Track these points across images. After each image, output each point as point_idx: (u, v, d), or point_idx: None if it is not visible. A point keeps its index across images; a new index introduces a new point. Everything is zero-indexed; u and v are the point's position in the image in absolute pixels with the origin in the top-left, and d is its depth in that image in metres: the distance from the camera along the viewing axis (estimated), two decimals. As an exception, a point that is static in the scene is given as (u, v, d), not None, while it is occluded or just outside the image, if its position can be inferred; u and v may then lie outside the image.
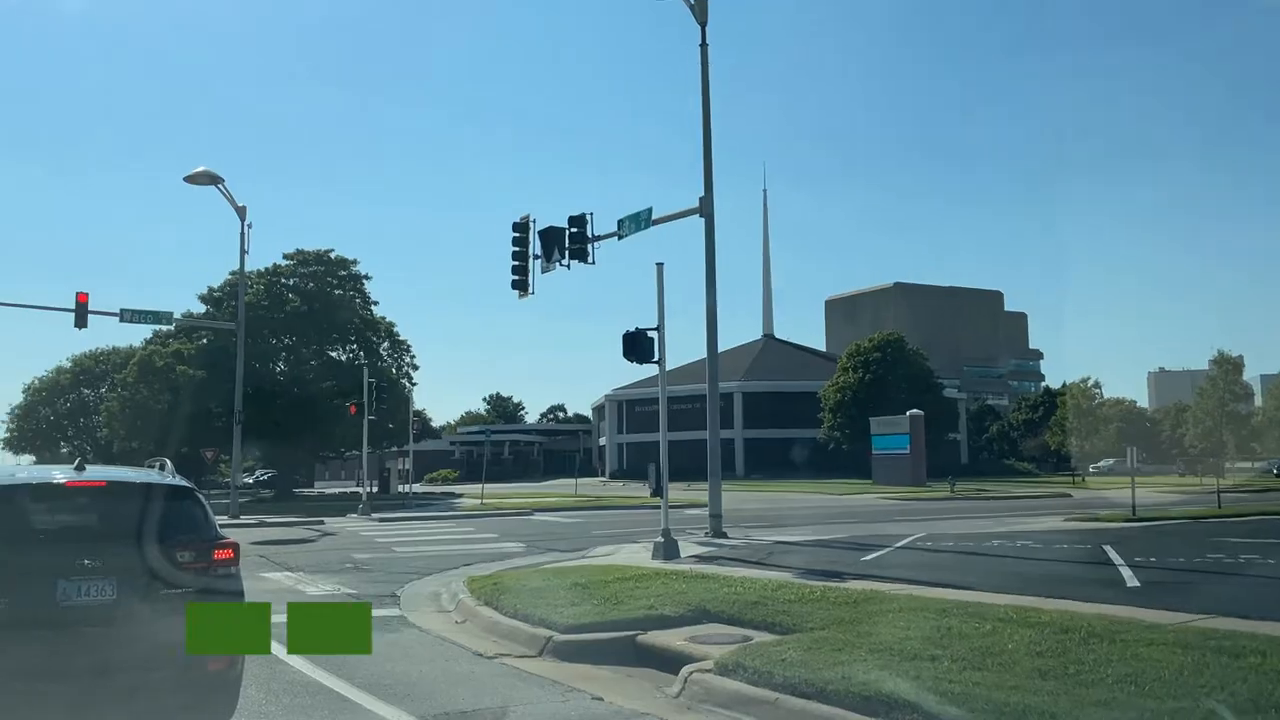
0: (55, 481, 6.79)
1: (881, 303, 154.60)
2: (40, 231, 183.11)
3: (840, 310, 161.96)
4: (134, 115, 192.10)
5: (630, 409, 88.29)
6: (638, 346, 18.26)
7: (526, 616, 10.46)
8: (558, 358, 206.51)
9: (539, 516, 33.31)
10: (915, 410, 58.33)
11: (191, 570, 6.49)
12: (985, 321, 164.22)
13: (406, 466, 56.09)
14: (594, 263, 22.85)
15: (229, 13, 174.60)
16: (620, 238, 22.74)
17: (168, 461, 7.69)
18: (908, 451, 56.13)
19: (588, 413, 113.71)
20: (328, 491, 66.70)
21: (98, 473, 7.12)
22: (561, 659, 9.24)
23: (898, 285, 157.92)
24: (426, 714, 7.08)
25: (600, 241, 22.73)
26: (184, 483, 7.26)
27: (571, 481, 58.41)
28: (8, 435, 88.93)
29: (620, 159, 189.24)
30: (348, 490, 62.80)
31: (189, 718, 6.40)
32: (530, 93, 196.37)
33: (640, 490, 51.34)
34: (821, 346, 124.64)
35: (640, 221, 22.52)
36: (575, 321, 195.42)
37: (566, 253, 22.72)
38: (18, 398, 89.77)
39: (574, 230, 22.65)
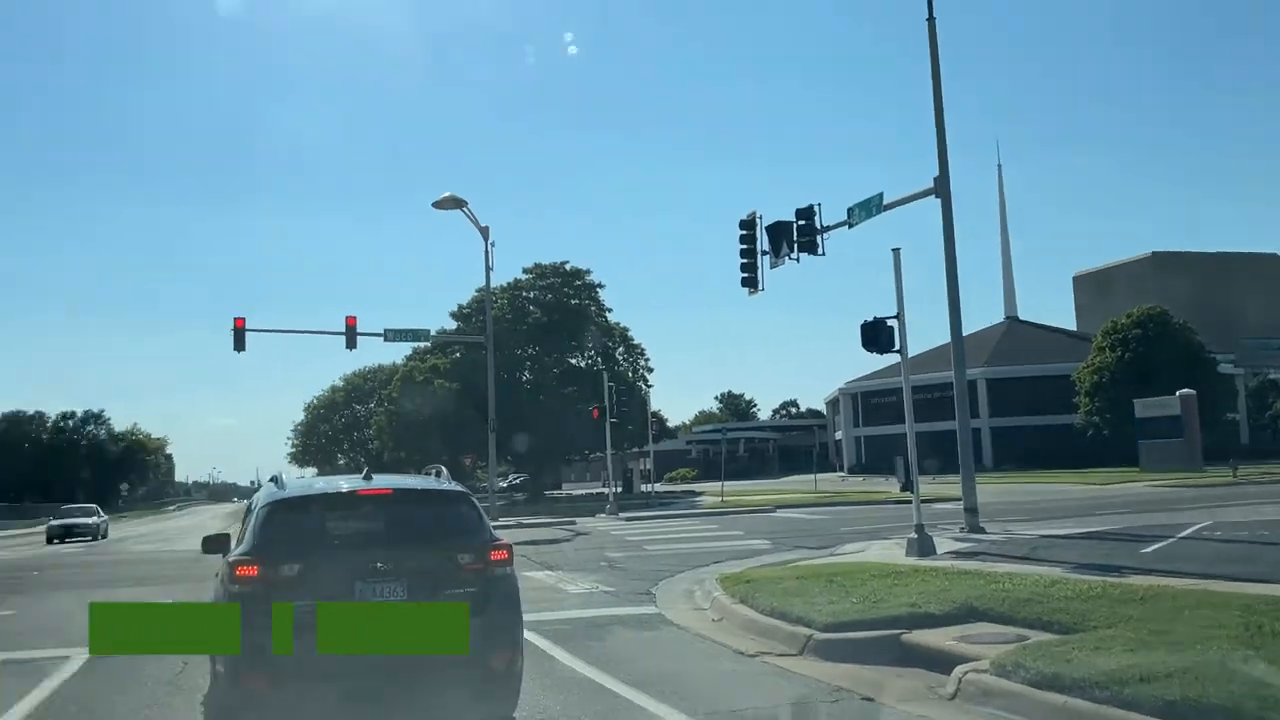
0: (348, 491, 7.26)
1: (1138, 275, 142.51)
2: (316, 265, 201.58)
3: (1090, 286, 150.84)
4: (379, 151, 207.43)
5: (866, 401, 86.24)
6: (877, 336, 17.76)
7: (784, 614, 10.35)
8: (788, 353, 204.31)
9: (781, 513, 33.11)
10: (1186, 390, 53.52)
11: (471, 571, 6.78)
12: (1264, 288, 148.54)
13: (647, 467, 57.50)
14: (824, 254, 22.46)
15: (458, 57, 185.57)
16: (850, 226, 22.17)
17: (444, 469, 8.14)
18: (1179, 434, 51.61)
19: (821, 407, 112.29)
20: (575, 493, 69.31)
21: (384, 481, 7.55)
22: (823, 658, 9.07)
23: (1155, 255, 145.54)
24: (698, 712, 7.12)
25: (829, 232, 22.31)
26: (460, 488, 7.66)
27: (807, 477, 57.73)
28: (293, 450, 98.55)
29: (838, 149, 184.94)
30: (593, 491, 64.96)
31: (475, 711, 6.72)
32: (741, 90, 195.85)
33: (882, 485, 50.06)
34: (1071, 326, 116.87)
35: (871, 208, 21.88)
36: (804, 315, 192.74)
37: (795, 246, 22.47)
38: (300, 416, 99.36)
39: (802, 223, 22.36)
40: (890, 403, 77.28)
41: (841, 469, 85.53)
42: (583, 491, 69.98)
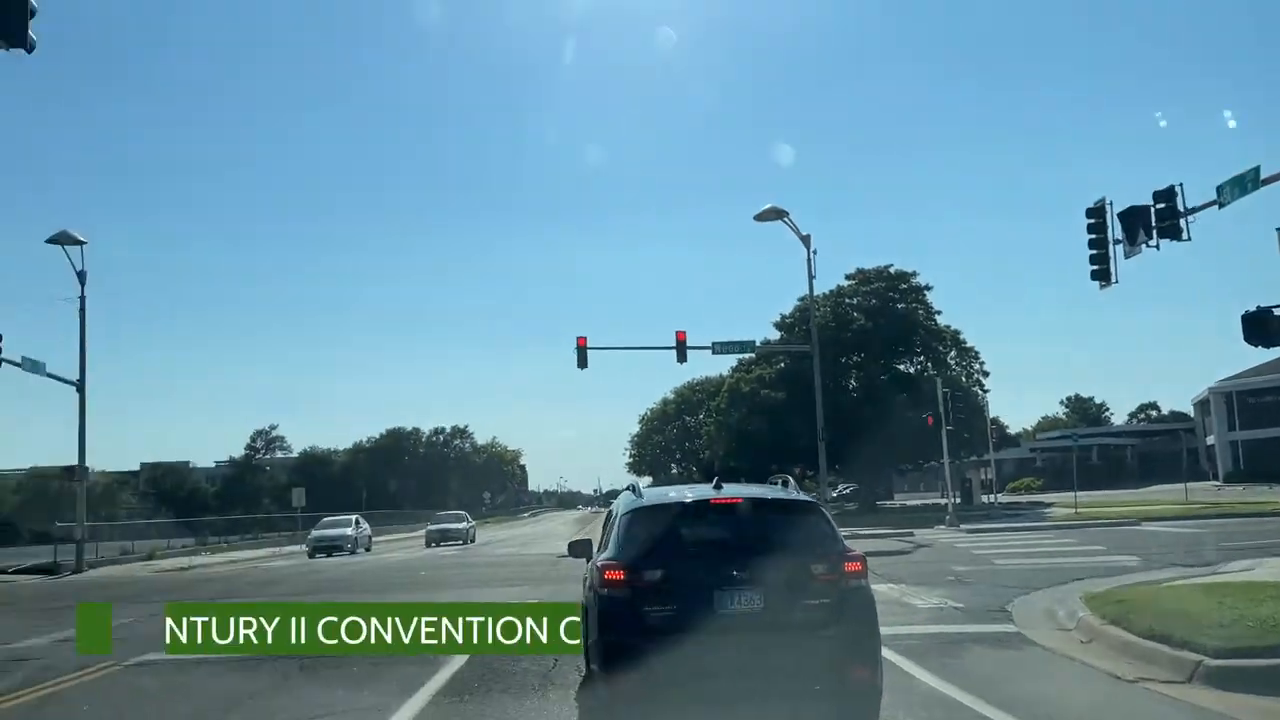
0: (702, 499, 7.39)
1: None
2: (645, 283, 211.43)
3: None
4: (689, 165, 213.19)
5: (1243, 401, 76.67)
6: (1264, 328, 15.77)
7: (1165, 638, 9.41)
8: (1144, 351, 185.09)
9: (1147, 526, 30.17)
10: None
11: (825, 581, 6.71)
12: None
13: (987, 476, 54.57)
14: (1189, 239, 20.31)
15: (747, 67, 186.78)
16: (1220, 206, 19.75)
17: (790, 478, 8.17)
18: None
19: (1187, 409, 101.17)
20: (909, 503, 67.16)
21: (734, 490, 7.66)
22: (1216, 686, 8.15)
23: None
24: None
25: (1194, 215, 20.13)
26: (809, 498, 7.65)
27: (1174, 487, 52.19)
28: (630, 459, 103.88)
29: (1181, 132, 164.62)
30: (928, 501, 62.66)
31: None
32: (1071, 73, 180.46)
33: (1266, 494, 44.22)
34: None
35: (1245, 184, 19.37)
36: (1162, 309, 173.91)
37: (1155, 232, 20.49)
38: (635, 428, 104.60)
39: (1161, 206, 20.34)
40: (1273, 402, 68.29)
41: (1215, 477, 76.44)
42: (917, 502, 67.64)
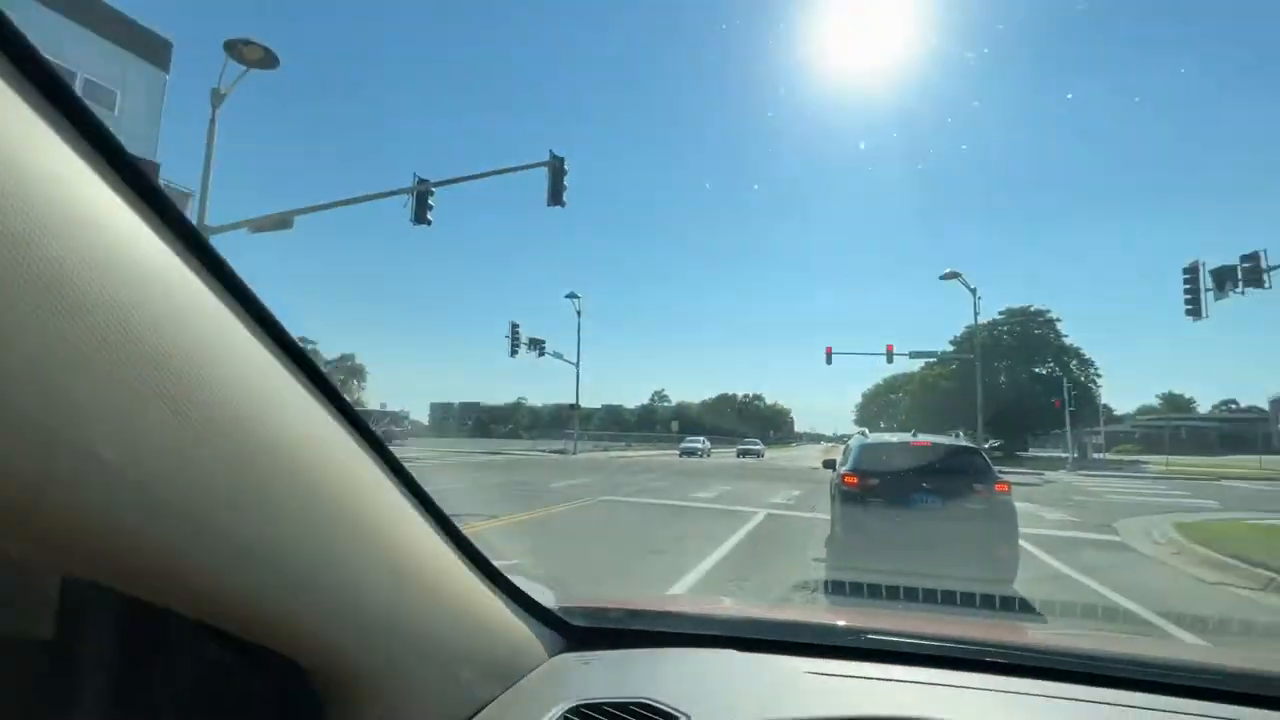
0: (905, 441, 6.95)
1: None
2: (866, 313, 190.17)
3: None
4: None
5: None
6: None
7: (1243, 556, 7.49)
8: (1228, 357, 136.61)
9: (1225, 483, 23.13)
10: None
11: (983, 495, 6.17)
12: None
13: (1098, 442, 44.67)
14: (1269, 287, 15.55)
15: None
16: (1302, 265, 15.01)
17: (961, 432, 7.53)
18: None
19: (1262, 404, 75.02)
20: (1039, 455, 56.38)
21: (924, 437, 7.14)
22: (1286, 596, 6.39)
23: None
24: (1170, 612, 5.52)
25: (1276, 270, 15.35)
26: (973, 444, 7.07)
27: (1249, 458, 39.06)
28: (854, 418, 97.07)
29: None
30: (1054, 455, 52.27)
31: (987, 579, 5.93)
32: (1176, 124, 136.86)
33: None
34: None
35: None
36: (1242, 329, 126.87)
37: (1241, 283, 15.93)
38: (858, 400, 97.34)
39: (1247, 266, 15.78)
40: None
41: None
42: (1045, 455, 56.49)
